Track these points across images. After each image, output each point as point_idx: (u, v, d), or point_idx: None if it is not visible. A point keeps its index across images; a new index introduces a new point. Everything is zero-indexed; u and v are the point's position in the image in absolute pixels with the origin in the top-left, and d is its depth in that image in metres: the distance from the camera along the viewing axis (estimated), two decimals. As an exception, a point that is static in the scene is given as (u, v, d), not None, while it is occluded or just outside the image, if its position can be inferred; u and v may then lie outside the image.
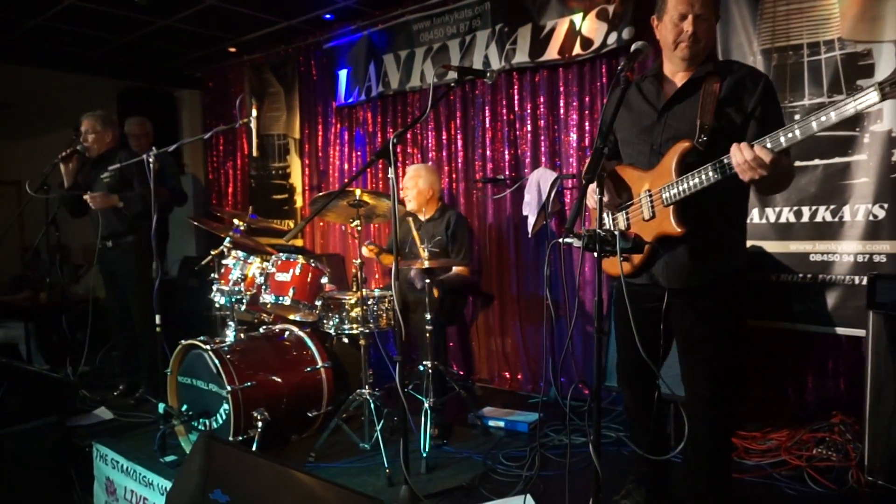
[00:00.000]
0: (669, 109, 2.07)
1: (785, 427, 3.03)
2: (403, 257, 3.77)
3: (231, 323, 3.32)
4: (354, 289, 3.24)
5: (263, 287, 3.32)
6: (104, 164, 3.91)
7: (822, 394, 3.17)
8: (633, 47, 1.97)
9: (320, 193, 4.79)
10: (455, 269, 3.83)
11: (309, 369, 3.33)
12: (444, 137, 4.67)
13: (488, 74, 2.56)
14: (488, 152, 4.42)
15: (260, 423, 2.97)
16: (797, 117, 3.05)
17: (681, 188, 1.94)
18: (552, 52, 3.96)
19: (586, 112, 3.94)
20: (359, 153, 5.28)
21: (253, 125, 5.80)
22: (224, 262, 3.44)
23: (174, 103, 6.66)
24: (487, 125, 4.41)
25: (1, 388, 3.18)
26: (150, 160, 3.31)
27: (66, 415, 3.35)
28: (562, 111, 4.05)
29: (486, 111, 4.41)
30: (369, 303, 3.31)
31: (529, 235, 4.10)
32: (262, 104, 5.88)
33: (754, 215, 3.24)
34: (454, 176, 4.63)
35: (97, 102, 4.32)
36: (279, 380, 3.19)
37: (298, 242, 5.69)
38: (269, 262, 3.37)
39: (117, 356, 4.37)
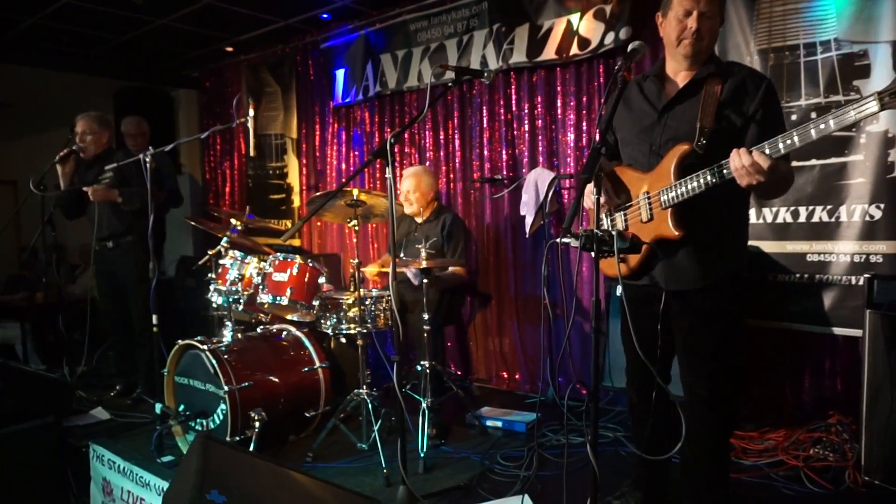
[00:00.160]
0: (670, 110, 2.07)
1: (782, 427, 3.03)
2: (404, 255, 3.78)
3: (228, 323, 3.31)
4: (352, 289, 3.24)
5: (261, 287, 3.32)
6: (100, 164, 3.90)
7: (819, 394, 3.18)
8: (630, 47, 1.97)
9: (318, 193, 4.79)
10: (451, 268, 3.82)
11: (306, 369, 3.33)
12: (441, 137, 4.67)
13: (486, 74, 2.56)
14: (486, 152, 4.42)
15: (257, 424, 2.96)
16: (794, 118, 3.06)
17: (679, 191, 1.93)
18: (549, 52, 3.97)
19: (584, 112, 3.94)
20: (356, 153, 5.28)
21: (250, 125, 5.79)
22: (221, 262, 3.43)
23: (171, 103, 6.65)
24: (485, 125, 4.41)
25: (-3, 389, 3.18)
26: (147, 160, 3.31)
27: (62, 415, 3.33)
28: (559, 111, 4.05)
29: (484, 111, 4.41)
30: (367, 303, 3.30)
31: (527, 235, 4.10)
32: (260, 104, 5.88)
33: (752, 215, 3.24)
34: (452, 176, 4.63)
35: (94, 102, 4.32)
36: (276, 380, 3.19)
37: (296, 242, 5.68)
38: (267, 262, 3.37)
39: (114, 356, 4.36)
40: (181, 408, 3.17)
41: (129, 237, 3.95)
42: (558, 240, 1.77)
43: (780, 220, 3.18)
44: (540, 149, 4.15)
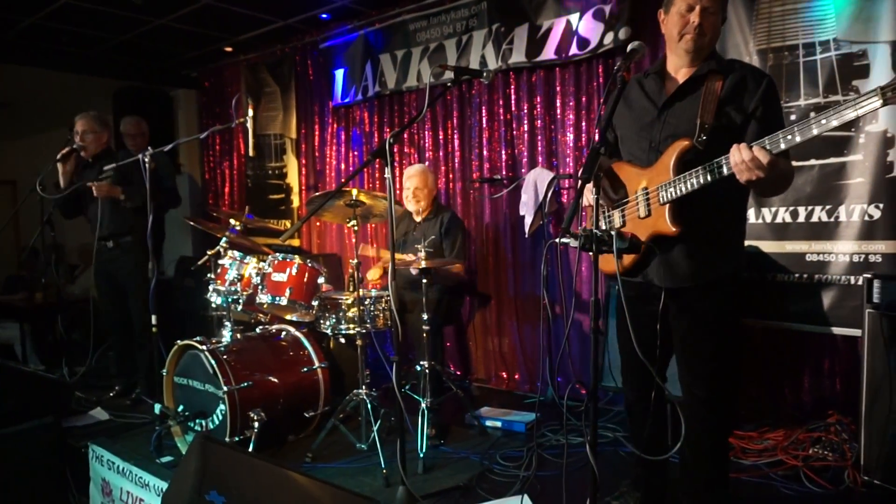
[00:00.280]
0: (670, 107, 2.07)
1: (781, 427, 3.03)
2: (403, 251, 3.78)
3: (227, 323, 3.31)
4: (351, 289, 3.24)
5: (260, 287, 3.31)
6: (100, 164, 3.90)
7: (819, 393, 3.18)
8: (629, 47, 1.97)
9: (317, 193, 4.79)
10: (449, 266, 3.82)
11: (306, 369, 3.32)
12: (440, 137, 4.67)
13: (485, 74, 2.56)
14: (485, 152, 4.42)
15: (256, 424, 2.96)
16: (793, 118, 3.06)
17: (677, 188, 1.93)
18: (549, 52, 3.97)
19: (583, 112, 3.94)
20: (355, 153, 5.28)
21: (249, 125, 5.79)
22: (220, 262, 3.43)
23: (170, 103, 6.64)
24: (484, 125, 4.41)
25: (-4, 389, 3.18)
26: (146, 160, 3.31)
27: (61, 415, 3.33)
28: (558, 111, 4.05)
29: (483, 111, 4.41)
30: (366, 303, 3.30)
31: (526, 235, 4.10)
32: (259, 104, 5.88)
33: (751, 215, 3.24)
34: (451, 176, 4.63)
35: (93, 102, 4.32)
36: (276, 380, 3.19)
37: (295, 242, 5.68)
38: (266, 263, 3.37)
39: (113, 357, 4.35)
40: (180, 408, 3.16)
41: (128, 237, 3.95)
42: (557, 239, 1.77)
43: (779, 219, 3.18)
44: (539, 149, 4.15)
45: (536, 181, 3.95)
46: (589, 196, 1.95)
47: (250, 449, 2.90)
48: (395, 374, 2.48)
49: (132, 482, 2.47)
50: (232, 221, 3.54)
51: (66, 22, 5.02)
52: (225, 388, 2.91)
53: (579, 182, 1.75)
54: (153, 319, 3.35)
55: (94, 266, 4.19)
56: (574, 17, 3.85)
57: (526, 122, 4.20)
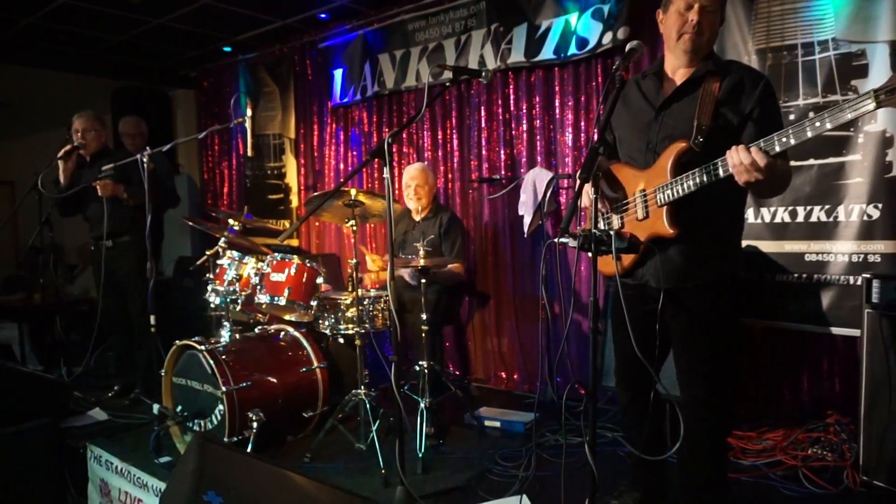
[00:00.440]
0: (667, 108, 2.07)
1: (780, 427, 3.03)
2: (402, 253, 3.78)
3: (226, 323, 3.31)
4: (350, 289, 3.24)
5: (258, 287, 3.31)
6: (98, 163, 3.90)
7: (818, 394, 3.18)
8: (627, 47, 1.97)
9: (315, 193, 4.79)
10: (449, 266, 3.82)
11: (304, 370, 3.32)
12: (439, 137, 4.67)
13: (484, 74, 2.56)
14: (484, 152, 4.42)
15: (255, 424, 2.95)
16: (791, 117, 3.06)
17: (675, 189, 1.93)
18: (548, 52, 3.97)
19: (582, 112, 3.94)
20: (354, 153, 5.28)
21: (248, 125, 5.79)
22: (219, 262, 3.43)
23: (169, 103, 6.64)
24: (483, 125, 4.41)
25: (-6, 389, 3.17)
26: (144, 160, 3.31)
27: (60, 416, 3.34)
28: (557, 111, 4.05)
29: (482, 111, 4.41)
30: (365, 303, 3.30)
31: (525, 235, 4.10)
32: (258, 104, 5.87)
33: (749, 215, 3.24)
34: (450, 176, 4.63)
35: (92, 102, 4.31)
36: (274, 380, 3.18)
37: (294, 242, 5.68)
38: (265, 263, 3.36)
39: (112, 357, 4.35)
40: (179, 408, 3.16)
41: (127, 237, 3.94)
42: (556, 239, 1.77)
43: (778, 219, 3.18)
44: (538, 148, 4.15)
45: (535, 181, 3.95)
46: (588, 196, 1.94)
47: (249, 449, 2.90)
48: (394, 374, 2.48)
49: (130, 482, 2.47)
50: (230, 221, 3.54)
51: (65, 22, 5.02)
52: (223, 389, 2.90)
53: (578, 182, 1.75)
54: (152, 319, 3.35)
55: (92, 266, 4.19)
56: (573, 17, 3.85)
57: (525, 121, 4.20)
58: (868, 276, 2.64)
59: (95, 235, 4.01)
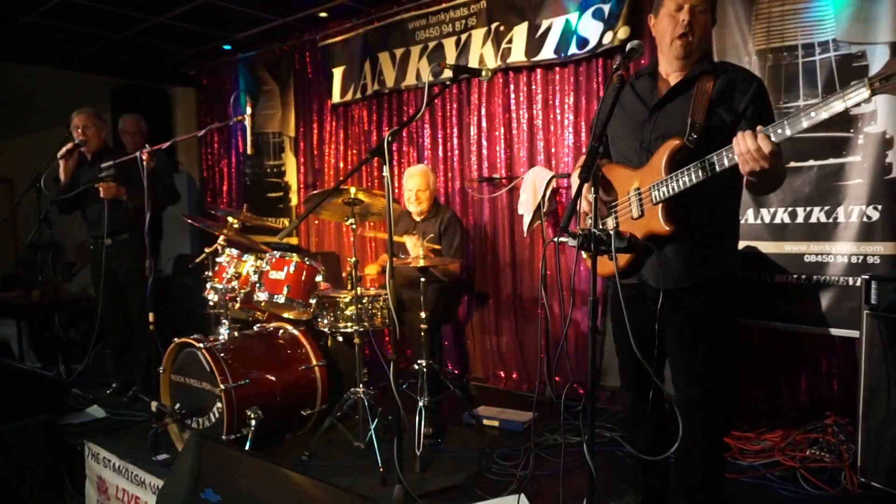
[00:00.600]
0: (662, 108, 2.07)
1: (779, 428, 3.03)
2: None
3: (225, 321, 3.31)
4: (349, 287, 3.23)
5: (257, 285, 3.31)
6: (99, 162, 3.90)
7: (816, 394, 3.18)
8: (628, 46, 1.97)
9: (315, 191, 4.78)
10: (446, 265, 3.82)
11: (303, 368, 3.32)
12: (439, 136, 4.66)
13: (484, 73, 2.55)
14: (484, 151, 4.42)
15: (253, 422, 2.95)
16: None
17: (670, 186, 1.93)
18: (548, 52, 3.96)
19: (582, 111, 3.94)
20: (354, 151, 5.27)
21: (247, 123, 5.78)
22: (218, 259, 3.42)
23: (168, 101, 6.63)
24: (483, 124, 4.41)
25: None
26: (144, 157, 3.30)
27: (58, 413, 3.33)
28: (557, 110, 4.05)
29: (482, 110, 4.41)
30: (364, 301, 3.30)
31: (524, 234, 4.10)
32: (257, 102, 5.87)
33: (749, 216, 3.24)
34: (450, 175, 4.63)
35: (91, 100, 4.31)
36: (273, 378, 3.18)
37: (293, 240, 5.68)
38: (264, 260, 3.36)
39: (110, 354, 4.35)
40: (177, 406, 3.16)
41: (125, 234, 3.94)
42: (556, 239, 1.76)
43: (777, 220, 3.18)
44: (538, 148, 4.14)
45: (535, 180, 3.94)
46: (587, 196, 1.94)
47: (247, 447, 2.90)
48: (393, 372, 2.47)
49: (128, 480, 2.47)
50: (230, 219, 3.54)
51: (64, 19, 5.01)
52: (221, 386, 2.90)
53: (578, 181, 1.75)
54: (151, 317, 3.34)
55: (91, 264, 4.18)
56: (573, 17, 3.85)
57: (525, 121, 4.19)
58: (867, 277, 2.64)
59: (95, 234, 4.00)
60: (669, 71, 2.10)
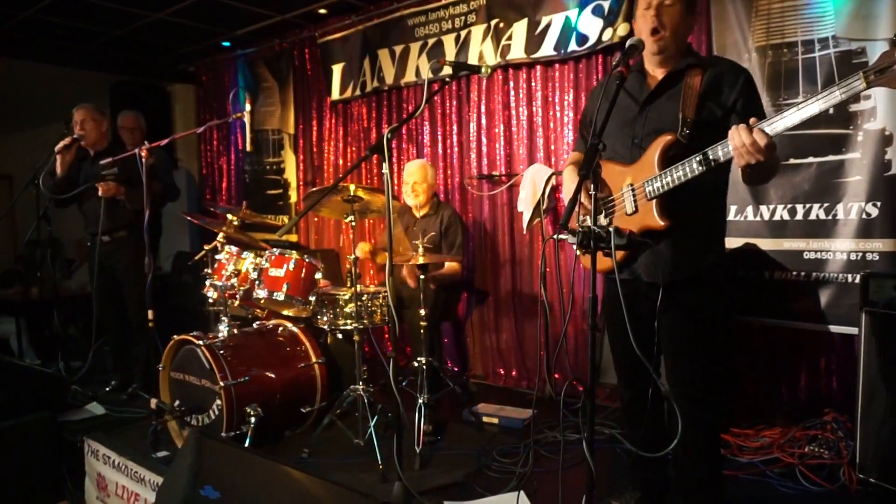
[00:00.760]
0: (651, 103, 2.08)
1: (778, 424, 3.03)
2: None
3: (224, 318, 3.31)
4: (349, 284, 3.23)
5: (257, 282, 3.31)
6: (101, 159, 3.90)
7: (815, 391, 3.18)
8: (628, 43, 1.97)
9: (314, 189, 4.78)
10: (447, 265, 3.82)
11: (303, 365, 3.32)
12: (439, 133, 4.66)
13: (483, 70, 2.55)
14: (483, 148, 4.41)
15: (253, 419, 2.95)
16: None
17: (665, 181, 1.94)
18: (548, 48, 3.96)
19: (581, 108, 3.93)
20: (353, 148, 5.27)
21: (247, 120, 5.78)
22: (217, 257, 3.42)
23: (167, 97, 6.62)
24: (483, 121, 4.40)
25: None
26: (143, 154, 3.30)
27: (57, 410, 3.33)
28: (557, 107, 4.04)
29: (482, 107, 4.40)
30: (363, 299, 3.29)
31: (524, 232, 4.09)
32: (256, 99, 5.86)
33: (748, 212, 3.24)
34: (449, 172, 4.62)
35: (90, 96, 4.29)
36: (272, 375, 3.18)
37: (293, 238, 5.68)
38: (263, 258, 3.36)
39: (110, 351, 4.35)
40: (176, 403, 3.16)
41: (124, 232, 3.93)
42: (556, 236, 1.76)
43: (777, 217, 3.18)
44: (537, 145, 4.14)
45: (534, 177, 3.94)
46: (585, 193, 1.94)
47: (246, 444, 2.90)
48: (393, 370, 2.48)
49: (128, 477, 2.47)
50: (229, 216, 3.54)
51: (62, 16, 5.00)
52: (221, 384, 2.90)
53: (578, 178, 1.74)
54: (150, 314, 3.34)
55: (89, 261, 4.18)
56: (573, 13, 3.84)
57: (524, 118, 4.19)
58: (865, 274, 2.64)
59: (92, 231, 4.00)
60: (653, 67, 2.12)
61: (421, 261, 3.21)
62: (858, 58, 2.92)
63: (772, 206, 3.19)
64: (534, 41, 4.02)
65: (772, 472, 2.73)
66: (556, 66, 4.02)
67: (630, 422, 2.42)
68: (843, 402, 2.96)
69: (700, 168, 1.86)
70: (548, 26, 3.96)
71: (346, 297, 3.29)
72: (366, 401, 3.06)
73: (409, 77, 4.67)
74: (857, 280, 2.78)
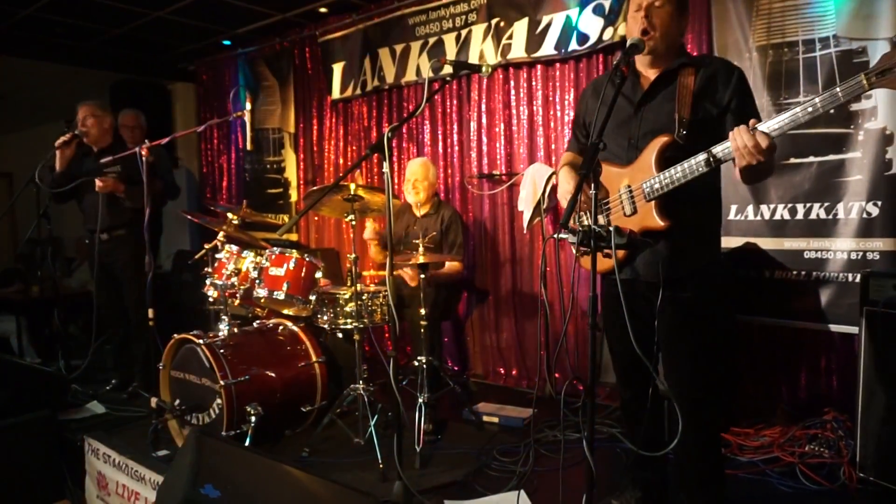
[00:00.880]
0: (646, 103, 2.08)
1: (778, 424, 3.04)
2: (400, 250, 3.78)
3: (224, 317, 3.31)
4: (349, 284, 3.23)
5: (257, 281, 3.31)
6: (103, 156, 3.89)
7: (815, 391, 3.18)
8: (628, 42, 1.98)
9: (315, 188, 4.78)
10: (447, 264, 3.82)
11: (303, 364, 3.32)
12: (439, 132, 4.66)
13: (484, 69, 2.55)
14: (484, 147, 4.41)
15: (253, 418, 2.96)
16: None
17: (663, 182, 1.94)
18: (548, 48, 3.95)
19: (582, 108, 3.93)
20: (354, 148, 5.26)
21: (247, 119, 5.77)
22: (218, 256, 3.42)
23: (168, 96, 6.62)
24: (483, 120, 4.40)
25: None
26: (143, 153, 3.30)
27: (57, 409, 3.33)
28: (557, 107, 4.04)
29: (482, 106, 4.40)
30: (364, 298, 3.29)
31: (524, 231, 4.09)
32: (257, 98, 5.85)
33: (749, 212, 3.24)
34: (449, 171, 4.62)
35: (90, 95, 4.29)
36: (273, 374, 3.19)
37: (293, 237, 5.68)
38: (263, 257, 3.36)
39: (110, 350, 4.35)
40: (177, 402, 3.16)
41: (123, 230, 3.93)
42: (556, 235, 1.76)
43: (777, 216, 3.18)
44: (538, 144, 4.14)
45: (535, 177, 3.94)
46: (586, 193, 1.94)
47: (247, 443, 2.90)
48: (393, 369, 2.48)
49: (128, 475, 2.47)
50: (229, 215, 3.53)
51: (63, 14, 5.00)
52: (221, 383, 2.91)
53: (578, 178, 1.74)
54: (150, 313, 3.34)
55: (90, 259, 4.18)
56: (574, 13, 3.84)
57: (525, 117, 4.19)
58: (866, 273, 2.64)
59: (90, 228, 3.99)
60: (645, 67, 2.12)
61: (421, 260, 3.21)
62: (859, 57, 2.92)
63: (772, 206, 3.19)
64: (534, 40, 4.01)
65: (772, 472, 2.73)
66: (557, 65, 4.02)
67: (629, 421, 2.42)
68: (844, 402, 2.96)
69: (700, 168, 1.87)
70: (548, 25, 3.95)
71: (347, 296, 3.29)
72: (366, 400, 3.06)
73: (410, 76, 4.67)
74: (858, 279, 2.78)
